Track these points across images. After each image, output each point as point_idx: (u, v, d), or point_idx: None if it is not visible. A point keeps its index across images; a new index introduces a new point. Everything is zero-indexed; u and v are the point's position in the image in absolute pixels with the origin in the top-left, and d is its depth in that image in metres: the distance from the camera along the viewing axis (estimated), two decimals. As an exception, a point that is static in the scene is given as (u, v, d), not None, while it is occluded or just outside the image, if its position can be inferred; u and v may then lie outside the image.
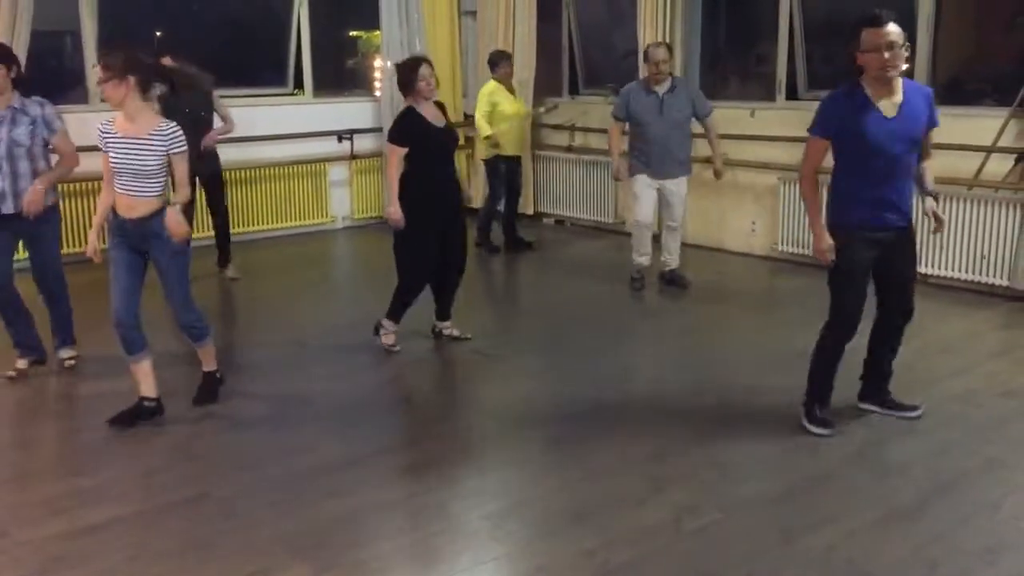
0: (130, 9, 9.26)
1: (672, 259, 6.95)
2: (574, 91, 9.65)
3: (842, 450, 4.09)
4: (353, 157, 9.32)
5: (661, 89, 6.59)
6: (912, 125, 3.95)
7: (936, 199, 4.24)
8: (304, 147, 9.10)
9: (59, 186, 5.33)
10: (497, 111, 7.95)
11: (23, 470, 4.06)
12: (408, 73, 5.28)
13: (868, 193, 3.99)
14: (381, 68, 9.51)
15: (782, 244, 7.66)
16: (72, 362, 5.28)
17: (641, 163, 6.70)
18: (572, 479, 3.88)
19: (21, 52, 7.19)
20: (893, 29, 3.78)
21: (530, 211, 9.62)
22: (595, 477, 3.89)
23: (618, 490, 3.76)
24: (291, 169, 9.03)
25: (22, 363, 5.15)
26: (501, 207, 8.34)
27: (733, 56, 9.07)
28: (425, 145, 5.26)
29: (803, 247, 7.39)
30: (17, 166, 4.86)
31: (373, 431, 4.41)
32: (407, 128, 5.25)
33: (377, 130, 9.41)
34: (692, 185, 7.06)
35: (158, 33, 9.56)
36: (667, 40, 7.85)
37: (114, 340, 4.42)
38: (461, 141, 10.14)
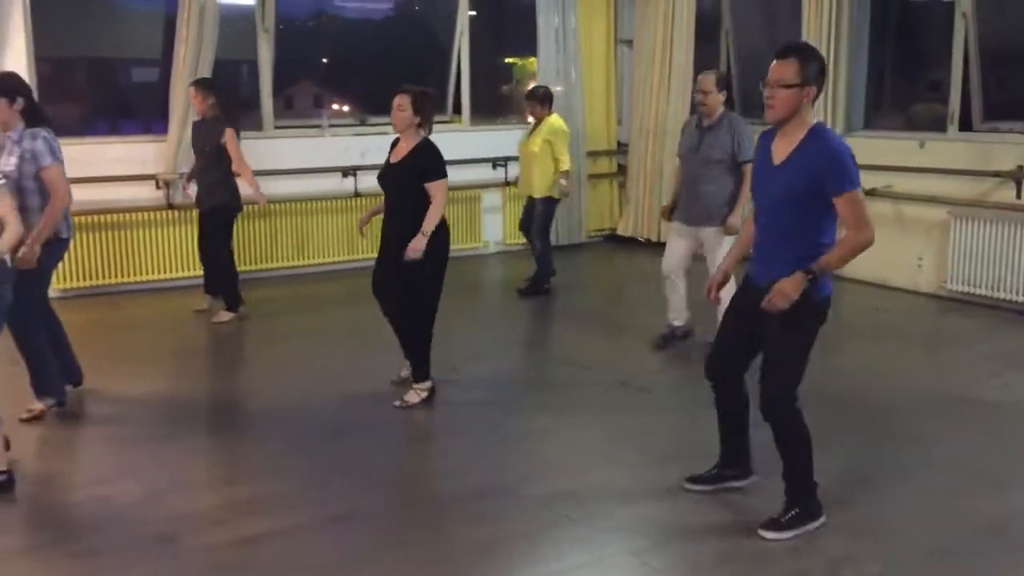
0: (303, 39, 9.76)
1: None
2: (731, 120, 9.48)
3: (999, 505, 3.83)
4: (507, 184, 9.46)
5: (706, 123, 5.82)
6: None
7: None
8: (460, 173, 9.29)
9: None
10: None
11: (188, 480, 4.30)
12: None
13: None
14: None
15: (952, 282, 7.27)
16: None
17: (678, 206, 5.99)
18: (720, 520, 3.79)
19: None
20: None
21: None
22: (745, 518, 3.78)
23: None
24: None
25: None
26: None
27: (901, 84, 8.71)
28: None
29: (975, 285, 7.00)
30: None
31: (519, 458, 4.44)
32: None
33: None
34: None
35: (324, 61, 10.06)
36: (830, 66, 7.63)
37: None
38: (613, 168, 10.25)
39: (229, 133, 6.57)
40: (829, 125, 6.34)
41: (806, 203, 3.37)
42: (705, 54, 9.35)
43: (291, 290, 7.95)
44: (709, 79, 5.77)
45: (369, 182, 8.59)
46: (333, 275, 8.34)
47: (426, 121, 4.90)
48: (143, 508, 3.89)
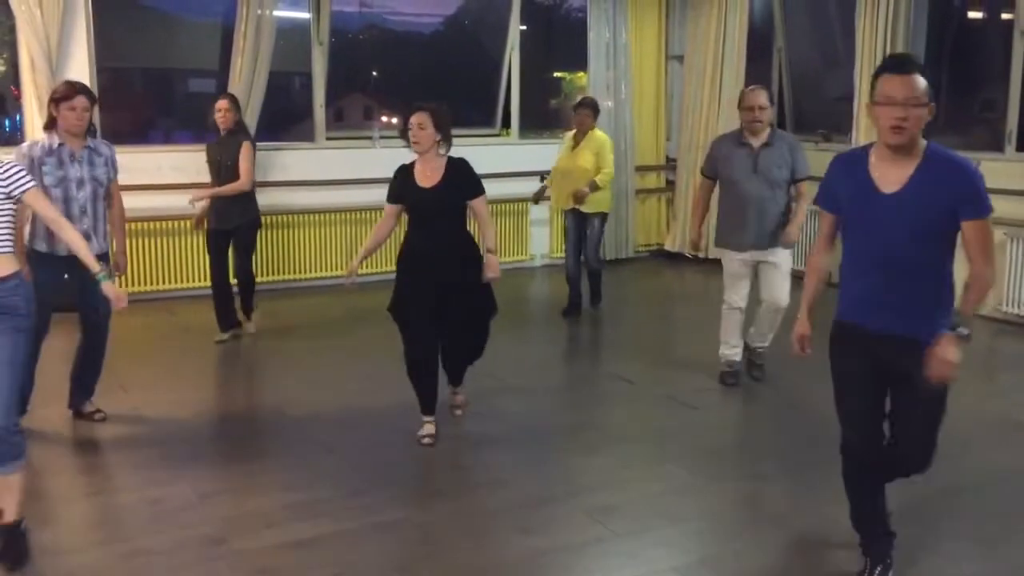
0: (355, 52, 9.89)
1: (759, 337, 5.81)
2: (782, 136, 9.41)
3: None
4: (547, 198, 9.45)
5: (756, 142, 5.46)
6: None
7: None
8: (507, 186, 9.34)
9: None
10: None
11: (241, 483, 4.36)
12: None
13: None
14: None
15: (1007, 304, 7.13)
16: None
17: (726, 232, 5.64)
18: (766, 539, 3.75)
19: (259, 92, 7.83)
20: None
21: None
22: (792, 538, 3.74)
23: (818, 556, 3.60)
24: (494, 207, 9.27)
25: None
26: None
27: (957, 102, 8.58)
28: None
29: (1031, 308, 6.87)
30: (98, 207, 4.75)
31: (565, 471, 4.44)
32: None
33: (579, 171, 9.55)
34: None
35: (374, 73, 10.18)
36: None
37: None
38: (662, 184, 10.21)
39: (248, 146, 6.46)
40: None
41: (939, 233, 3.02)
42: (757, 71, 9.30)
43: (340, 299, 8.02)
44: (763, 94, 5.46)
45: (418, 193, 8.68)
46: (382, 285, 8.37)
47: (447, 138, 4.72)
48: (193, 511, 3.95)
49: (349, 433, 4.89)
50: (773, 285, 5.59)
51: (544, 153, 9.47)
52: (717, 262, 9.32)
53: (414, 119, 4.62)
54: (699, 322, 7.26)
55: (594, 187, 7.11)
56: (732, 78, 9.16)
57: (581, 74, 9.85)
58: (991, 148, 7.43)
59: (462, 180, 4.72)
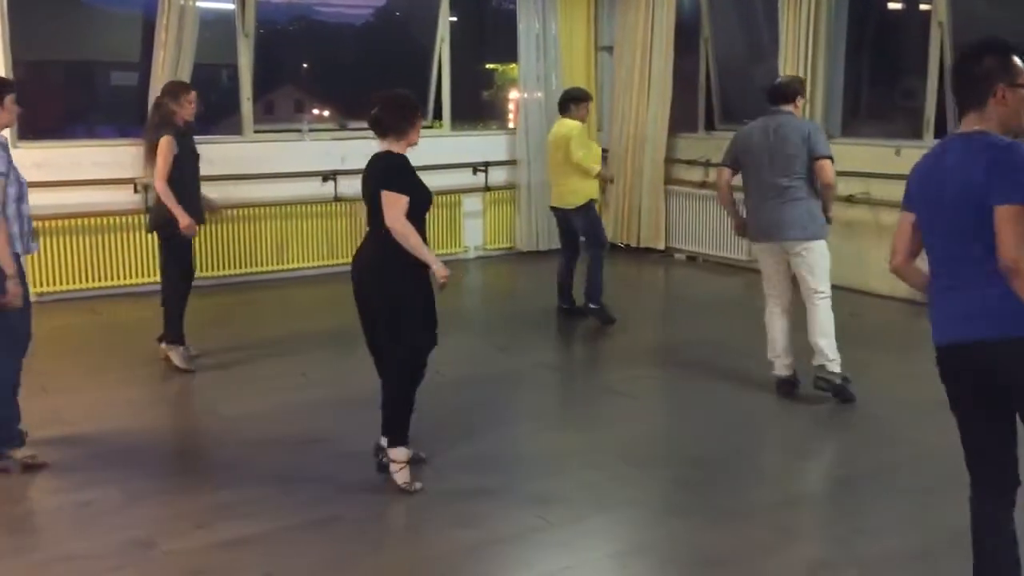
0: (283, 44, 9.75)
1: (822, 353, 5.20)
2: (710, 126, 9.56)
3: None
4: (487, 189, 9.48)
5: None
6: None
7: None
8: (440, 178, 9.30)
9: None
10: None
11: (170, 484, 4.27)
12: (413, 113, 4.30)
13: None
14: (516, 101, 9.67)
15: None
16: None
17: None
18: (699, 523, 3.81)
19: (182, 85, 7.68)
20: None
21: (661, 246, 9.57)
22: (722, 522, 3.80)
23: (746, 538, 3.67)
24: (427, 199, 9.25)
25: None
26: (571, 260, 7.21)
27: (878, 91, 8.80)
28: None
29: (949, 291, 7.07)
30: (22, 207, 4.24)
31: (500, 462, 4.44)
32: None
33: (511, 163, 9.57)
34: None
35: (304, 66, 10.06)
36: (808, 74, 7.72)
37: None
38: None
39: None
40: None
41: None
42: (685, 61, 9.41)
43: (270, 295, 7.92)
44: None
45: (349, 186, 8.61)
46: (313, 280, 8.33)
47: None
48: (121, 513, 3.86)
49: (281, 431, 4.82)
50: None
51: (477, 145, 9.50)
52: (662, 252, 9.50)
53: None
54: (633, 311, 7.35)
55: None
56: (660, 69, 9.26)
57: (513, 66, 9.86)
58: (911, 136, 7.63)
59: None
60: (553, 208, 7.16)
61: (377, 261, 4.06)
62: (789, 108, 5.29)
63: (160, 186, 5.52)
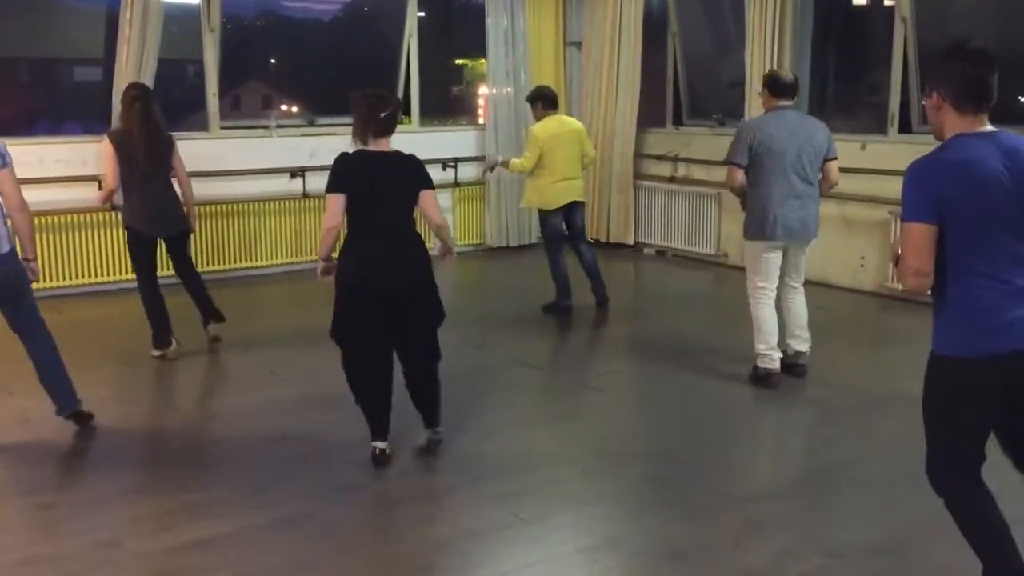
0: (250, 39, 9.66)
1: (806, 339, 5.51)
2: (678, 121, 9.60)
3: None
4: (457, 185, 9.45)
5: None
6: None
7: None
8: (409, 174, 9.29)
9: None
10: None
11: (136, 485, 4.22)
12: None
13: None
14: (486, 96, 9.65)
15: (893, 281, 7.43)
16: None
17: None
18: (669, 516, 3.83)
19: (148, 81, 7.58)
20: None
21: (630, 241, 9.61)
22: (692, 516, 3.83)
23: (715, 531, 3.69)
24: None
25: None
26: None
27: (844, 86, 8.88)
28: None
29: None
30: None
31: (470, 458, 4.44)
32: None
33: (480, 158, 9.54)
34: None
35: (272, 61, 9.98)
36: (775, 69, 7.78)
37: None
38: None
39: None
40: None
41: None
42: (653, 56, 9.44)
43: (239, 292, 7.85)
44: None
45: (317, 183, 8.56)
46: (282, 277, 8.28)
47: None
48: (86, 516, 3.81)
49: (250, 429, 4.78)
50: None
51: (446, 141, 9.47)
52: (631, 247, 9.53)
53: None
54: (615, 306, 7.36)
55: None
56: (629, 64, 9.29)
57: (482, 61, 9.83)
58: (876, 131, 7.71)
59: None
60: (569, 204, 6.98)
61: (424, 261, 4.33)
62: (792, 103, 5.36)
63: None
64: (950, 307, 2.78)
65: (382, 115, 4.14)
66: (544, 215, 7.08)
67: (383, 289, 4.16)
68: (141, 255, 5.91)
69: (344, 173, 4.13)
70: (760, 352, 5.35)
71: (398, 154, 4.24)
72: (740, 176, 5.24)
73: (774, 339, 5.34)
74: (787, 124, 5.21)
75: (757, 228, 5.26)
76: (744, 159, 5.19)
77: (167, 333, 5.94)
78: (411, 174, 4.25)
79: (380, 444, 4.28)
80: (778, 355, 5.36)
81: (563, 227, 7.09)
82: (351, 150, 4.22)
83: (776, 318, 5.37)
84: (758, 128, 5.25)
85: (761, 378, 5.35)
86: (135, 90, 5.87)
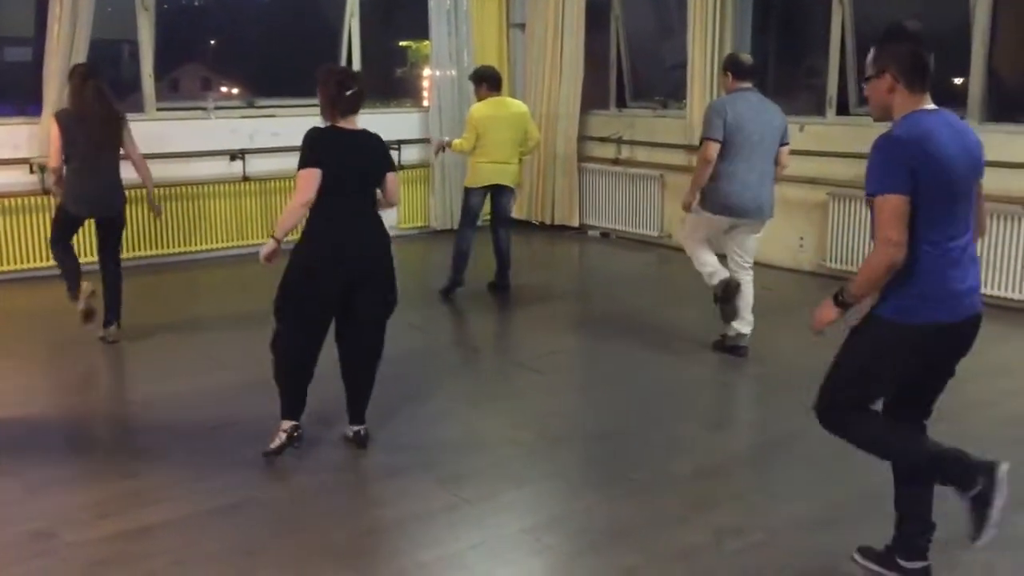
0: (185, 19, 9.45)
1: (750, 322, 5.61)
2: (621, 104, 9.64)
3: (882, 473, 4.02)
4: (400, 167, 9.36)
5: None
6: None
7: None
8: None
9: None
10: None
11: (73, 473, 4.13)
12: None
13: None
14: (430, 78, 9.58)
15: (831, 260, 7.57)
16: None
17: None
18: (613, 495, 3.86)
19: (80, 60, 7.37)
20: None
21: (575, 224, 9.63)
22: (636, 494, 3.86)
23: (659, 508, 3.73)
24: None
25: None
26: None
27: (784, 69, 8.99)
28: None
29: (853, 263, 7.29)
30: None
31: (414, 441, 4.42)
32: None
33: (424, 141, 9.48)
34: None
35: (212, 42, 9.78)
36: (716, 51, 7.84)
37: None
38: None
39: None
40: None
41: None
42: (596, 39, 9.45)
43: (178, 277, 7.72)
44: None
45: (257, 165, 8.43)
46: (222, 261, 8.15)
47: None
48: (20, 505, 3.72)
49: (191, 415, 4.70)
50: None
51: (390, 123, 9.35)
52: (576, 229, 9.55)
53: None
54: (542, 288, 7.39)
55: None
56: (572, 46, 9.29)
57: (426, 43, 9.75)
58: (815, 112, 7.82)
59: None
60: (495, 186, 6.99)
61: (385, 238, 4.28)
62: (751, 86, 5.43)
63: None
64: (905, 275, 2.87)
65: (347, 93, 4.06)
66: (466, 192, 7.12)
67: (352, 267, 4.11)
68: (65, 226, 5.78)
69: (319, 148, 4.05)
70: (707, 272, 5.49)
71: (365, 132, 4.20)
72: (714, 150, 5.27)
73: (715, 259, 5.51)
74: (751, 105, 5.34)
75: (720, 203, 5.35)
76: (720, 134, 5.24)
77: (78, 282, 5.77)
78: (378, 156, 4.23)
79: (294, 422, 4.19)
80: (725, 271, 5.49)
81: (480, 208, 7.11)
82: (322, 125, 4.15)
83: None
84: (731, 106, 5.33)
85: (724, 297, 5.43)
86: (84, 68, 5.76)
